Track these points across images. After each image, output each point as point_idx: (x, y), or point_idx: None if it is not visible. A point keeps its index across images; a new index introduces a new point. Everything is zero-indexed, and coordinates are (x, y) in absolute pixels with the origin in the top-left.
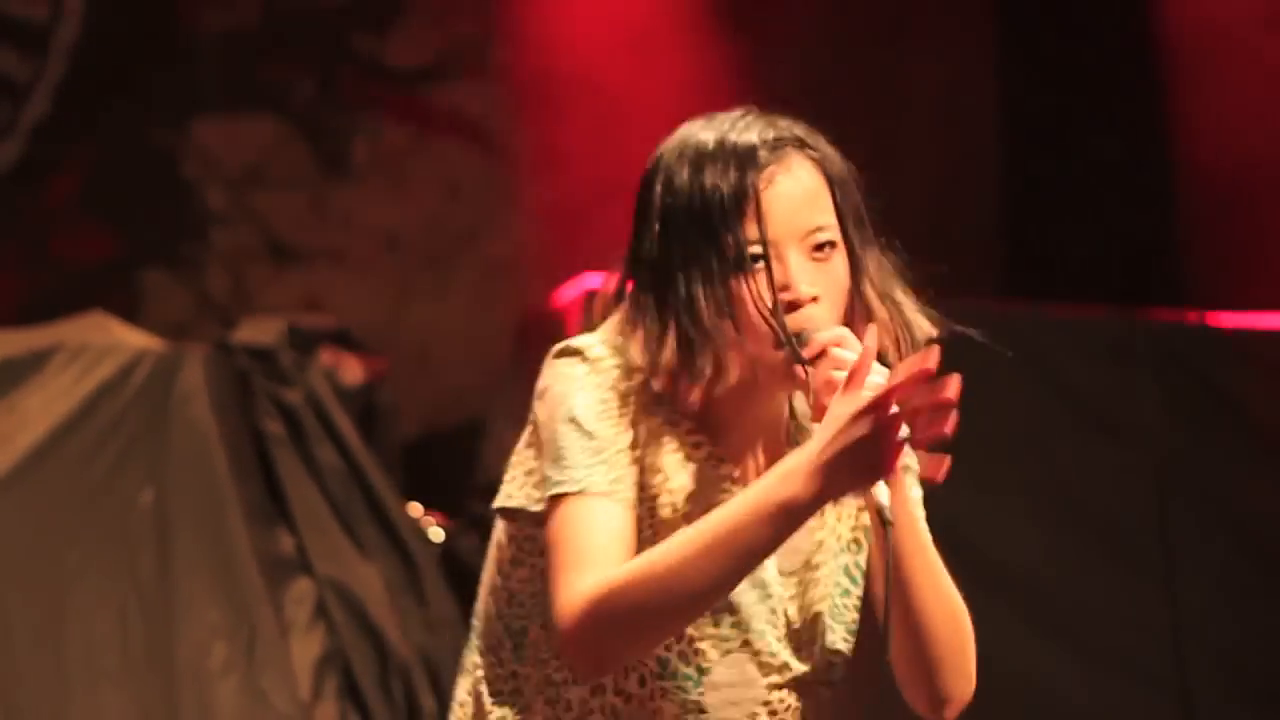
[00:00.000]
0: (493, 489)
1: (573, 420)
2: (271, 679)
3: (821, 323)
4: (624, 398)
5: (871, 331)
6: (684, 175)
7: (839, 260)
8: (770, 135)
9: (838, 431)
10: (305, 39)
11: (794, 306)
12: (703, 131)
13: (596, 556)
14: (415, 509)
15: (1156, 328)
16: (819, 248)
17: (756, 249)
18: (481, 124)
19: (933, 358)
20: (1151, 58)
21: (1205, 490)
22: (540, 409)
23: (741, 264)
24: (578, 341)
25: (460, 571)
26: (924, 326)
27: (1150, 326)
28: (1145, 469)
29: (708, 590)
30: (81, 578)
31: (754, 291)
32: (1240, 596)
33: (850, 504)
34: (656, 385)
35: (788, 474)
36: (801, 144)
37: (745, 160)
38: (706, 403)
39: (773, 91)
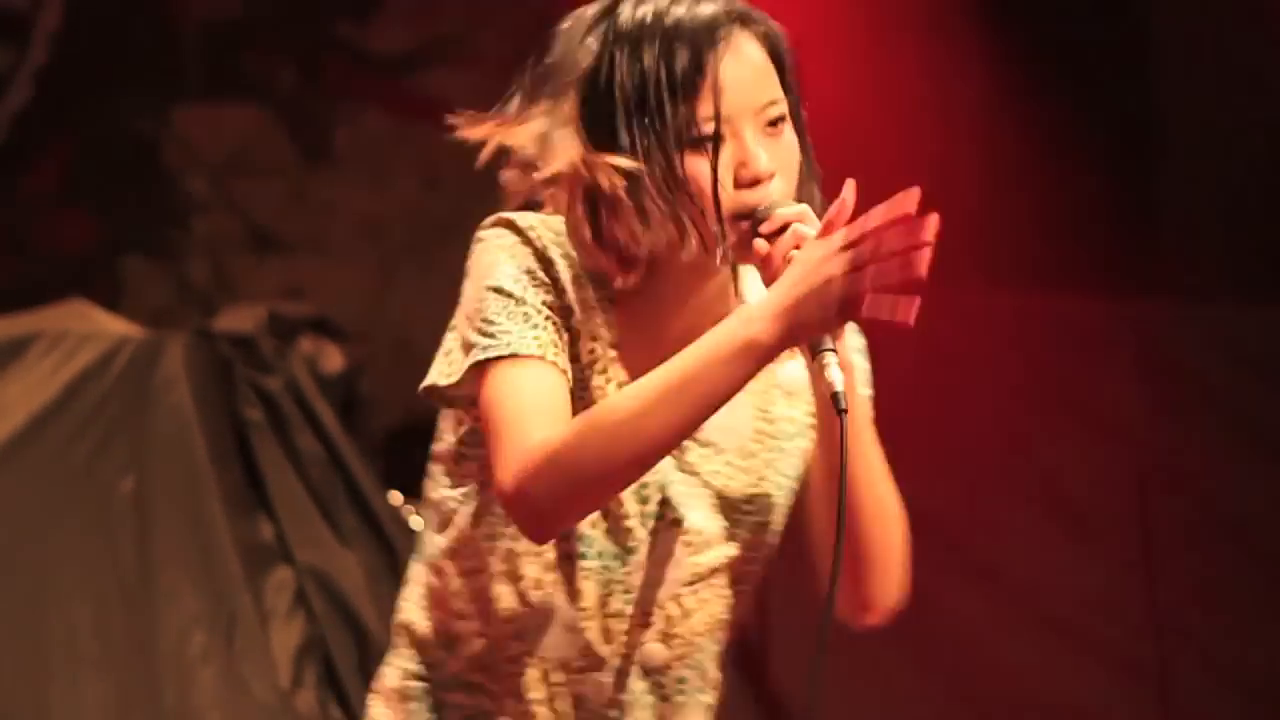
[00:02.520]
0: None
1: (498, 288)
2: (251, 667)
3: (780, 198)
4: (553, 265)
5: (849, 186)
6: (631, 53)
7: (789, 135)
8: (719, 10)
9: (806, 271)
10: (287, 27)
11: (754, 182)
12: (642, 5)
13: (537, 414)
14: (396, 497)
15: (1139, 319)
16: (772, 123)
17: (710, 127)
18: (465, 112)
19: (912, 200)
20: (1139, 47)
21: (1187, 482)
22: (466, 283)
23: (697, 141)
24: (509, 214)
25: None
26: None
27: (1133, 318)
28: (1127, 461)
29: (665, 439)
30: (61, 565)
31: (712, 168)
32: (1220, 588)
33: (805, 390)
34: (590, 263)
35: (751, 316)
36: (748, 19)
37: (696, 37)
38: (645, 286)
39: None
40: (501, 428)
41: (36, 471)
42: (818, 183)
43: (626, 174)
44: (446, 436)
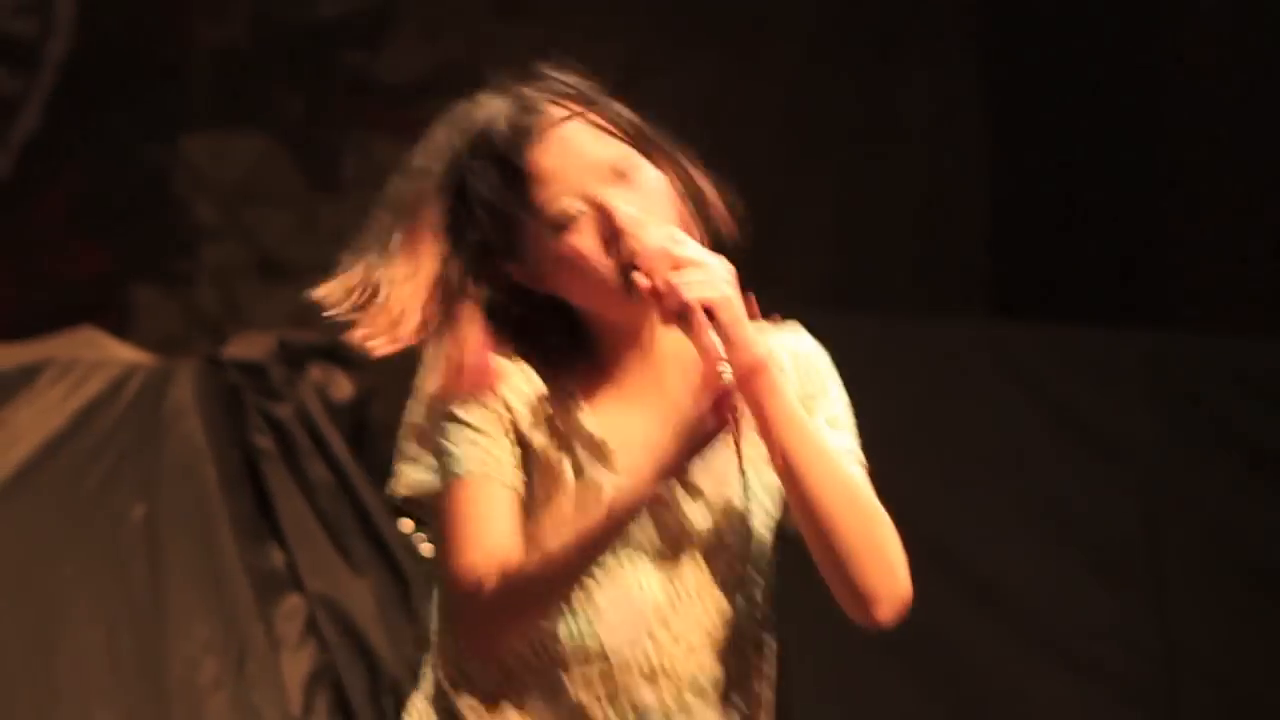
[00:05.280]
0: None
1: (449, 412)
2: (262, 695)
3: (648, 236)
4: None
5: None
6: (467, 188)
7: (644, 175)
8: (521, 105)
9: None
10: (296, 56)
11: (620, 237)
12: (457, 135)
13: (480, 538)
14: (406, 525)
15: (1147, 344)
16: (618, 175)
17: (560, 205)
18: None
19: (727, 372)
20: (1148, 72)
21: (1196, 507)
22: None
23: (560, 224)
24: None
25: None
26: (716, 203)
27: (1141, 343)
28: (1136, 486)
29: (570, 577)
30: (72, 593)
31: (586, 241)
32: (1231, 613)
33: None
34: (530, 366)
35: (646, 460)
36: (556, 98)
37: (511, 141)
38: (600, 364)
39: (757, 107)
40: (447, 555)
41: (47, 499)
42: (705, 195)
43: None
44: None
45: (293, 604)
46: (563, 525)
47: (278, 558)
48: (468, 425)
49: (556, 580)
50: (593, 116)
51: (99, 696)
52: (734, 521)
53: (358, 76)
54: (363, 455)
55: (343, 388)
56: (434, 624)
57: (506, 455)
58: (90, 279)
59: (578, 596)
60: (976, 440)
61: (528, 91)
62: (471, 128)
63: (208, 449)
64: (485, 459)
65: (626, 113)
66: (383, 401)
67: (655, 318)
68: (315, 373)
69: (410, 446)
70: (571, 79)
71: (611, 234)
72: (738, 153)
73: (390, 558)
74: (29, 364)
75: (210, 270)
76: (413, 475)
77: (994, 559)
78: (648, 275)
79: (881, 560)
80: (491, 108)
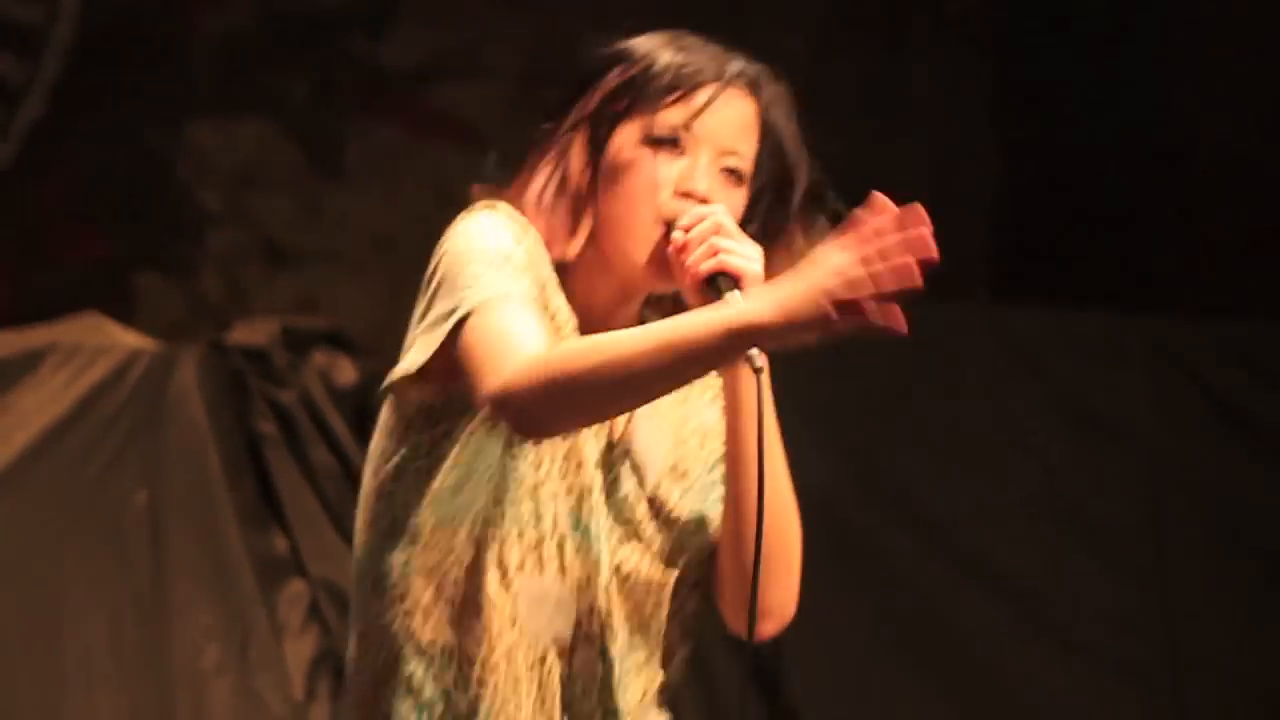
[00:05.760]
0: None
1: (474, 250)
2: (265, 680)
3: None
4: (522, 236)
5: (877, 198)
6: (645, 50)
7: (737, 196)
8: (737, 64)
9: (813, 269)
10: (300, 41)
11: (686, 196)
12: (675, 34)
13: (531, 335)
14: None
15: (1150, 329)
16: (728, 171)
17: (680, 134)
18: (476, 126)
19: (918, 215)
20: (1151, 58)
21: (1198, 491)
22: (440, 264)
23: (656, 140)
24: (485, 200)
25: None
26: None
27: (1143, 327)
28: (1139, 470)
29: (647, 385)
30: (75, 579)
31: (660, 168)
32: (1233, 598)
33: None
34: (543, 228)
35: (763, 295)
36: (760, 86)
37: (708, 66)
38: (573, 268)
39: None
40: (487, 356)
41: (50, 485)
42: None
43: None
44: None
45: (296, 589)
46: (634, 336)
47: (281, 543)
48: (506, 258)
49: (612, 385)
50: (767, 117)
51: (102, 682)
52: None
53: (362, 62)
54: (366, 440)
55: (346, 373)
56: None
57: (536, 289)
58: (94, 265)
59: None
60: (978, 424)
61: (755, 65)
62: (679, 37)
63: (211, 434)
64: (519, 283)
65: (784, 163)
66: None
67: (644, 279)
68: (318, 358)
69: (412, 337)
70: (786, 110)
71: (680, 191)
72: None
73: None
74: (32, 349)
75: (214, 256)
76: (404, 360)
77: (995, 543)
78: (685, 230)
79: (788, 575)
80: (713, 45)
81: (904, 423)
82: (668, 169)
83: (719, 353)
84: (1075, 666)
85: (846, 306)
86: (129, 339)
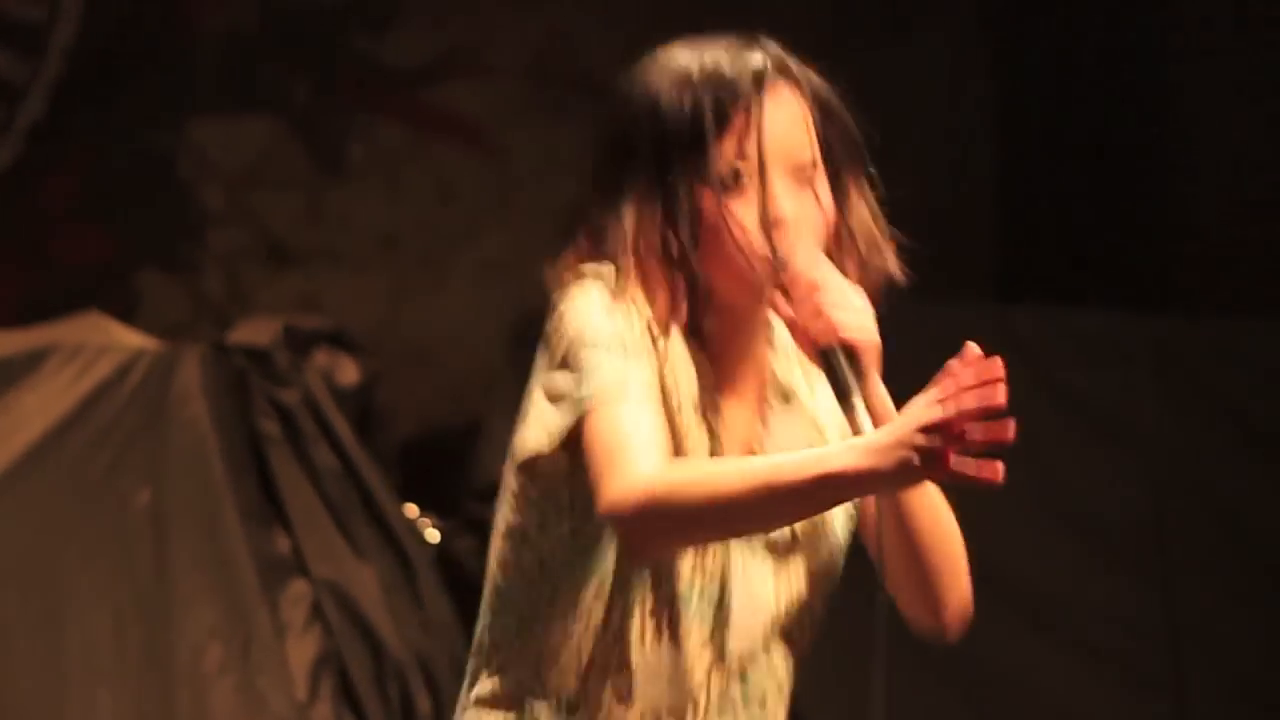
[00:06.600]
0: (490, 490)
1: (592, 339)
2: (267, 680)
3: (800, 247)
4: (635, 314)
5: (971, 348)
6: (670, 96)
7: (818, 185)
8: (760, 61)
9: (905, 422)
10: (302, 40)
11: (775, 227)
12: (685, 56)
13: (645, 447)
14: (411, 510)
15: (1154, 329)
16: (797, 169)
17: (740, 167)
18: (478, 125)
19: (996, 367)
20: (1152, 55)
21: (1203, 492)
22: (557, 339)
23: (725, 182)
24: (591, 268)
25: (456, 573)
26: (891, 269)
27: (1147, 327)
28: (1143, 471)
29: (746, 520)
30: (78, 578)
31: (744, 212)
32: (1237, 597)
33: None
34: (651, 309)
35: (852, 445)
36: (788, 70)
37: (735, 83)
38: (698, 329)
39: None
40: (609, 463)
41: (53, 484)
42: (882, 245)
43: (664, 211)
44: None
45: (298, 589)
46: (740, 468)
47: (283, 543)
48: (615, 347)
49: (713, 520)
50: (811, 112)
51: (104, 681)
52: (830, 524)
53: (364, 61)
54: (368, 440)
55: (348, 373)
56: (485, 621)
57: (653, 378)
58: (96, 264)
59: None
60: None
61: (771, 54)
62: (696, 55)
63: (213, 434)
64: (638, 379)
65: (840, 123)
66: (388, 387)
67: (767, 307)
68: (321, 358)
69: (537, 406)
70: (814, 75)
71: (768, 222)
72: None
73: (395, 543)
74: (35, 349)
75: (216, 255)
76: (532, 431)
77: (999, 544)
78: (791, 290)
79: (955, 575)
80: (724, 49)
81: None
82: (746, 211)
83: (811, 498)
84: (1078, 664)
85: (934, 459)
86: (131, 339)
